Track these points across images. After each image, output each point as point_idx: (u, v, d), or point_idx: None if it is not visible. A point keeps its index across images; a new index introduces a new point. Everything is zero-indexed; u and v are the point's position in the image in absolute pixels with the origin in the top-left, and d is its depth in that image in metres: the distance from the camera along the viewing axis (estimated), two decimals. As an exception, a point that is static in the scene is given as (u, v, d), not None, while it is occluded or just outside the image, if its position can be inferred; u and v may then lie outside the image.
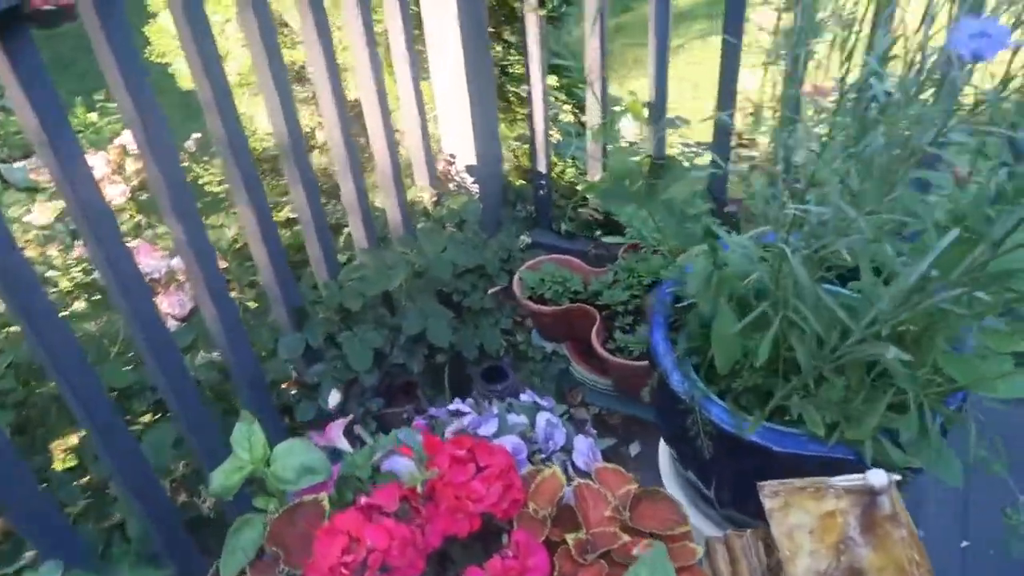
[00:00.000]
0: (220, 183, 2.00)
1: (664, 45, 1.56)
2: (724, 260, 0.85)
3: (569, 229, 1.89)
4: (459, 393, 1.57)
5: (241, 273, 1.81)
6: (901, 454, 0.82)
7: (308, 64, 1.39)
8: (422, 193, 1.77)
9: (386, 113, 1.51)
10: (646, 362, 1.43)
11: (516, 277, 1.65)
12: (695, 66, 4.09)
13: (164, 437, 1.33)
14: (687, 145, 2.26)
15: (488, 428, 0.87)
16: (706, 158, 2.13)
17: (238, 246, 1.88)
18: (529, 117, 1.79)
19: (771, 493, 0.74)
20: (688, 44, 4.25)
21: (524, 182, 2.26)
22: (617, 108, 1.75)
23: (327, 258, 1.43)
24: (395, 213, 1.64)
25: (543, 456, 0.90)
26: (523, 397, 0.97)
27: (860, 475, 0.70)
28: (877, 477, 0.66)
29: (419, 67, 1.62)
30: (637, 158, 1.89)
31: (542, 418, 0.92)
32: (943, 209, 0.71)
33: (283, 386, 1.43)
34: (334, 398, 1.38)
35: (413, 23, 1.61)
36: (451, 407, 0.97)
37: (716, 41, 1.49)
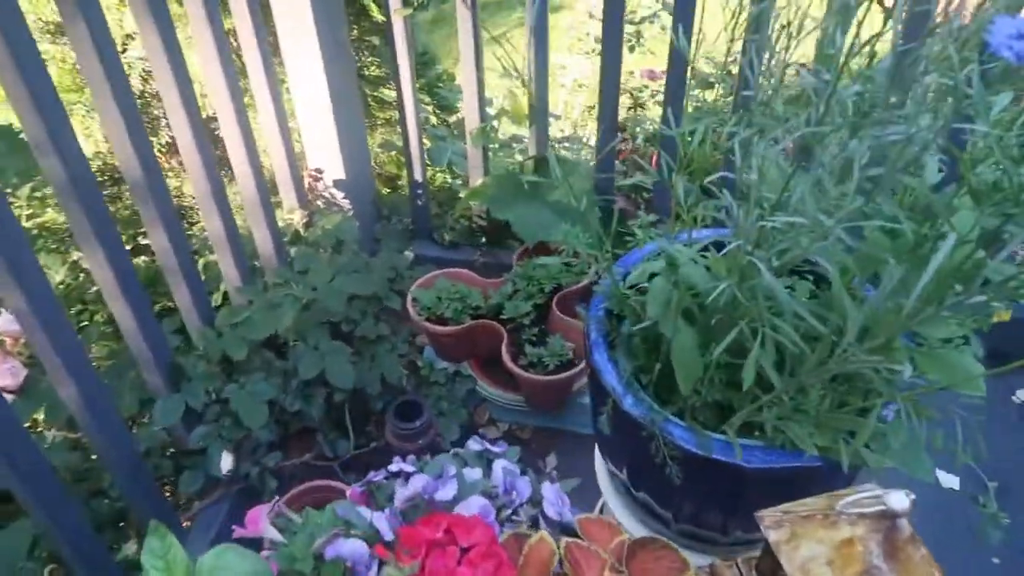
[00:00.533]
0: (29, 217, 1.71)
1: (543, 44, 1.50)
2: (683, 277, 0.80)
3: (452, 239, 1.80)
4: (363, 433, 1.44)
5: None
6: (874, 456, 0.80)
7: (156, 81, 1.19)
8: (291, 215, 1.61)
9: (247, 129, 1.34)
10: (563, 375, 1.38)
11: (409, 297, 1.54)
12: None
13: (17, 541, 1.11)
14: (567, 140, 2.23)
15: (446, 492, 0.77)
16: (585, 151, 2.11)
17: (67, 288, 1.62)
18: (401, 124, 1.68)
19: (774, 524, 0.69)
20: (510, 32, 4.21)
21: (391, 191, 2.14)
22: (491, 110, 1.67)
23: (199, 304, 1.25)
24: (266, 240, 1.47)
25: (509, 511, 0.81)
26: (470, 444, 0.87)
27: (863, 494, 0.67)
28: (898, 500, 0.63)
29: (276, 76, 1.45)
30: (520, 159, 1.83)
31: (499, 467, 0.83)
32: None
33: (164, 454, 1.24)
34: (226, 462, 1.21)
35: (267, 29, 1.44)
36: (392, 468, 0.86)
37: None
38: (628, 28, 2.69)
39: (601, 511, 1.21)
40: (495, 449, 0.87)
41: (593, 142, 2.42)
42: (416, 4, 1.56)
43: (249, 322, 1.25)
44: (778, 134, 0.69)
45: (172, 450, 1.24)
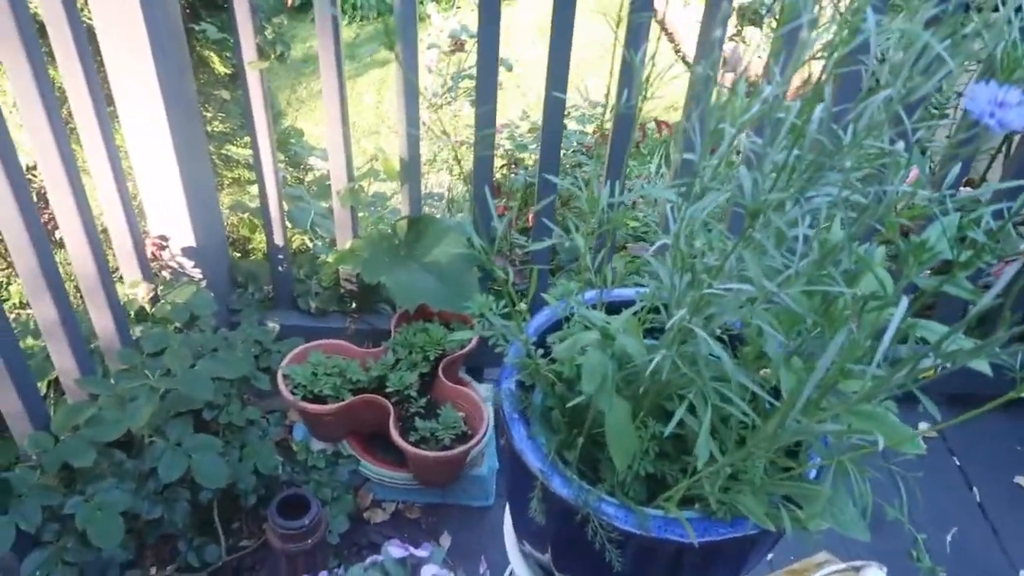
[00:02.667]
0: None
1: (414, 97, 1.44)
2: (619, 349, 0.76)
3: (319, 306, 1.69)
4: (233, 532, 1.29)
5: None
6: (813, 519, 0.80)
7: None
8: (133, 289, 1.44)
9: (80, 192, 1.18)
10: (459, 449, 1.31)
11: (280, 375, 1.42)
12: (374, 89, 4.04)
13: None
14: (431, 197, 2.17)
15: (376, 615, 0.67)
16: (461, 212, 2.07)
17: None
18: (260, 183, 1.55)
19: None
20: (365, 70, 4.18)
21: (241, 256, 1.99)
22: (359, 169, 1.60)
23: (31, 406, 1.06)
24: (106, 320, 1.31)
25: (445, 626, 0.72)
26: (391, 550, 0.77)
27: (835, 568, 0.65)
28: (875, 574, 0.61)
29: (112, 134, 1.29)
30: (388, 219, 1.76)
31: (428, 574, 0.74)
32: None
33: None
34: (72, 593, 1.02)
35: (99, 76, 1.28)
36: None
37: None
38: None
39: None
40: (419, 553, 0.77)
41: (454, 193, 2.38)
42: (274, 55, 1.46)
43: (96, 421, 1.08)
44: (716, 199, 0.67)
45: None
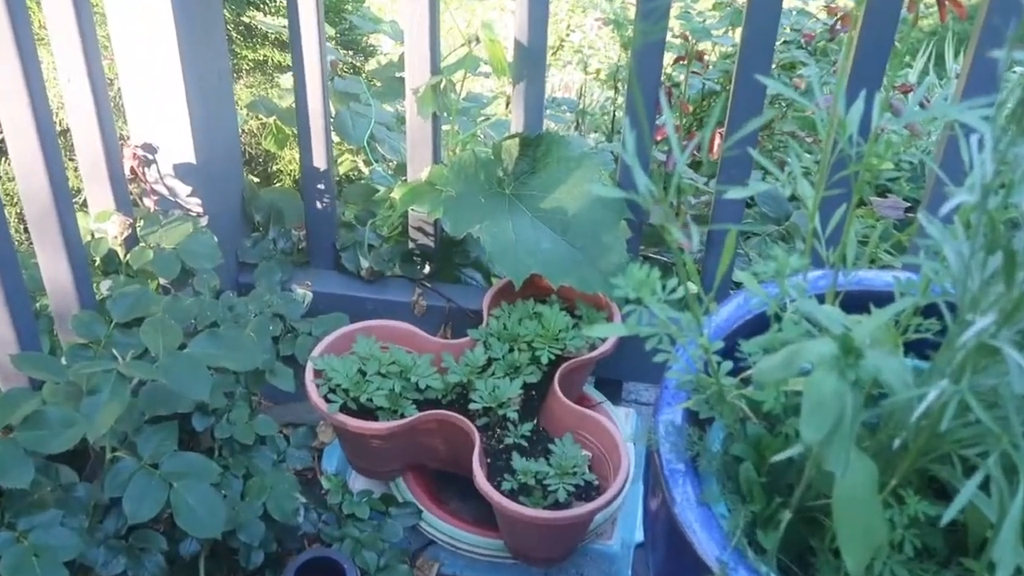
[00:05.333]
0: None
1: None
2: (868, 373, 0.73)
3: (375, 267, 1.71)
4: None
5: None
6: None
7: None
8: (101, 223, 1.49)
9: (33, 71, 1.22)
10: (580, 510, 1.31)
11: (309, 369, 1.44)
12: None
13: None
14: (557, 103, 2.16)
15: None
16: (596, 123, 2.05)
17: None
18: (296, 72, 1.58)
19: None
20: None
21: (263, 182, 2.04)
22: (449, 56, 1.59)
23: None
24: (59, 267, 1.38)
25: None
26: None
27: None
28: None
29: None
30: (494, 139, 1.75)
31: None
32: None
33: None
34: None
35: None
36: None
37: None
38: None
39: None
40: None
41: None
42: None
43: (38, 422, 1.13)
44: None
45: None
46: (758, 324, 1.00)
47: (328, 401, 1.42)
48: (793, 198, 1.91)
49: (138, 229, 1.53)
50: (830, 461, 0.75)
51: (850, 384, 0.74)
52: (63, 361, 1.28)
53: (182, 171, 1.62)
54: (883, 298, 0.90)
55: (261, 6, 1.95)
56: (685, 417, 0.99)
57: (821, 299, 0.97)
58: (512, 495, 1.34)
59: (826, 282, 1.02)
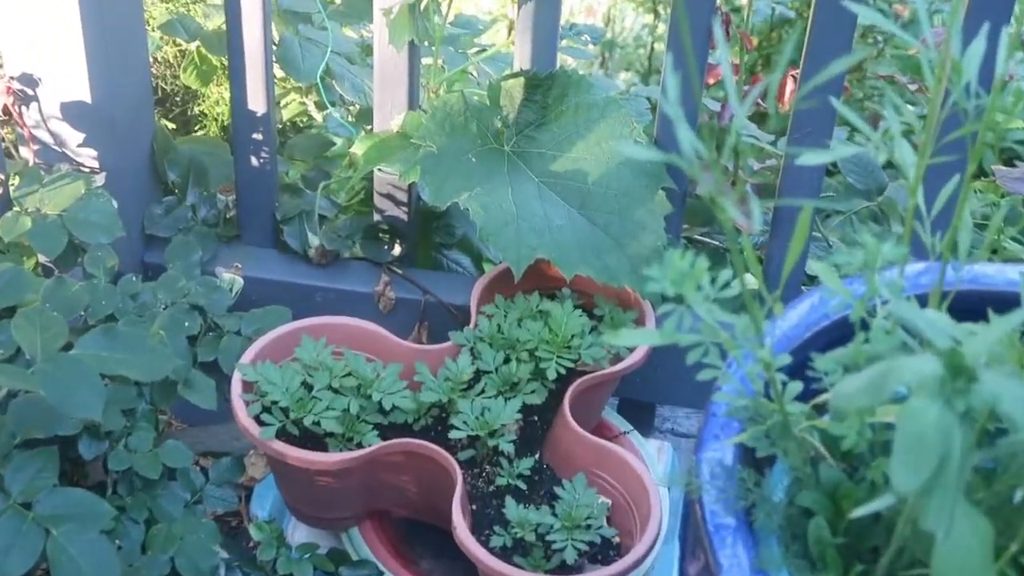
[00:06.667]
0: None
1: None
2: (984, 401, 0.73)
3: (328, 245, 1.71)
4: None
5: None
6: None
7: None
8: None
9: None
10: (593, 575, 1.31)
11: (235, 380, 1.44)
12: None
13: None
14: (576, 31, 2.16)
15: None
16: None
17: None
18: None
19: None
20: None
21: (180, 130, 2.04)
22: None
23: None
24: None
25: None
26: None
27: None
28: None
29: None
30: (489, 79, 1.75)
31: None
32: None
33: None
34: None
35: None
36: None
37: None
38: None
39: None
40: None
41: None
42: None
43: None
44: None
45: None
46: (838, 333, 1.01)
47: (261, 424, 1.41)
48: (889, 165, 1.91)
49: (11, 189, 1.54)
50: (929, 518, 0.76)
51: (959, 416, 0.74)
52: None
53: (72, 112, 1.64)
54: (1007, 301, 0.90)
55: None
56: (737, 455, 0.99)
57: (924, 301, 0.97)
58: (504, 554, 1.35)
59: (930, 279, 1.02)
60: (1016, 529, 0.82)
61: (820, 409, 0.96)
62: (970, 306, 0.95)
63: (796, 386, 0.94)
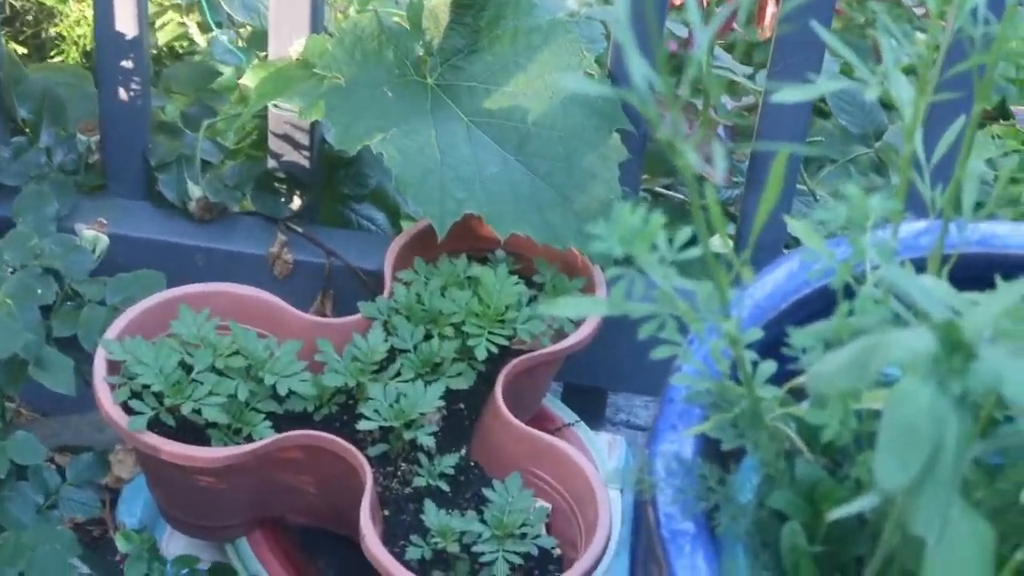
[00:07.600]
0: None
1: None
2: (983, 382, 0.75)
3: (213, 197, 1.71)
4: None
5: None
6: None
7: None
8: None
9: None
10: None
11: (100, 357, 1.44)
12: None
13: None
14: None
15: None
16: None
17: None
18: None
19: None
20: None
21: (31, 55, 2.04)
22: None
23: None
24: None
25: None
26: None
27: None
28: None
29: None
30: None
31: None
32: None
33: None
34: None
35: None
36: None
37: None
38: None
39: None
40: None
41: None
42: None
43: None
44: None
45: None
46: (820, 304, 1.02)
47: (130, 412, 1.41)
48: (887, 104, 1.92)
49: None
50: (919, 520, 0.77)
51: (954, 400, 0.76)
52: None
53: None
54: (1019, 266, 0.92)
55: None
56: (698, 448, 1.00)
57: (922, 266, 0.98)
58: (422, 568, 1.36)
59: (930, 239, 1.03)
60: (1022, 534, 0.84)
61: (797, 394, 0.96)
62: (977, 273, 0.96)
63: (769, 366, 0.95)
